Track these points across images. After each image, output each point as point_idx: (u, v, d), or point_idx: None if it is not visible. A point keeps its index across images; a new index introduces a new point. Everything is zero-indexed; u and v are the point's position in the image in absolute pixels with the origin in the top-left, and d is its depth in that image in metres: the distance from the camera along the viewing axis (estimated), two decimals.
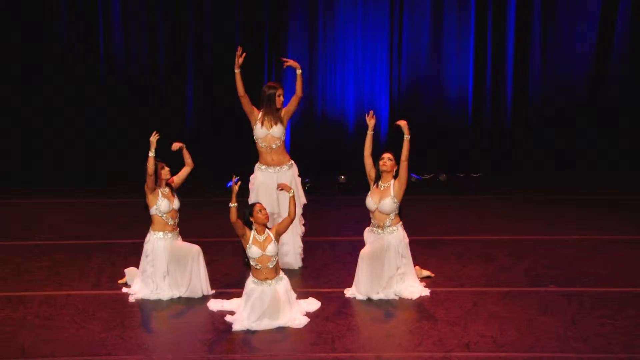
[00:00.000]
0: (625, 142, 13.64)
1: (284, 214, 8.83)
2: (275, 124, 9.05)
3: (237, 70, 9.01)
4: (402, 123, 8.51)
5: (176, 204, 8.58)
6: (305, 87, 13.29)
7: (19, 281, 9.03)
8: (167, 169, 8.54)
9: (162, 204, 8.48)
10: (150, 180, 8.40)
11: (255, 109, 9.10)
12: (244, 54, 9.07)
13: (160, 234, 8.51)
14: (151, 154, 8.32)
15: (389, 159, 8.49)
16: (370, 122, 8.63)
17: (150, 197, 8.50)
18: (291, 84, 12.73)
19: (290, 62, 9.16)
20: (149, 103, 13.56)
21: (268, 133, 9.06)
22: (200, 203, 11.67)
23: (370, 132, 8.59)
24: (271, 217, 8.76)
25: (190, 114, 13.62)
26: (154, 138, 8.36)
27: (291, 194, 8.01)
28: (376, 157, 8.55)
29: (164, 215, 8.50)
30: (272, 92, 9.02)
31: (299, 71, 9.08)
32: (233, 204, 7.81)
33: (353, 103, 13.63)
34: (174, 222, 8.58)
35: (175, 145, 8.64)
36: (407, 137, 8.45)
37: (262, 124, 9.05)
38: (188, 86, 13.63)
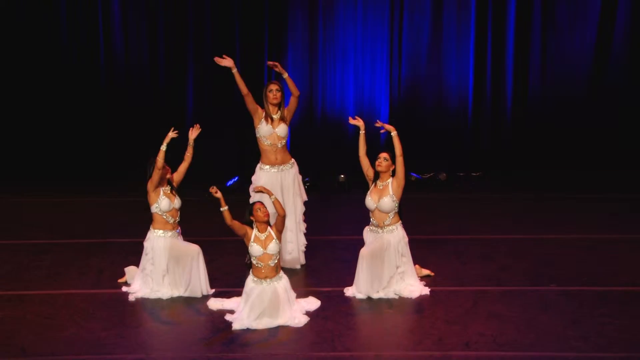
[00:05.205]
0: (625, 141, 13.65)
1: (287, 212, 8.84)
2: (280, 122, 9.06)
3: (234, 70, 8.98)
4: (385, 125, 8.52)
5: (177, 202, 8.58)
6: (306, 87, 13.45)
7: (19, 280, 9.03)
8: (167, 167, 8.54)
9: (163, 202, 8.48)
10: (156, 175, 8.38)
11: (259, 108, 9.10)
12: (222, 58, 9.00)
13: (160, 232, 8.51)
14: (163, 147, 8.31)
15: (385, 159, 8.49)
16: (358, 123, 8.60)
17: (151, 195, 8.49)
18: None
19: (278, 69, 9.08)
20: (149, 103, 13.58)
21: (273, 131, 9.07)
22: (200, 202, 11.66)
23: (362, 132, 8.58)
24: (273, 216, 8.76)
25: (190, 114, 13.63)
26: (172, 134, 8.33)
27: (272, 199, 8.03)
28: (374, 157, 8.55)
29: (165, 213, 8.50)
30: (264, 89, 9.04)
31: (285, 75, 9.07)
32: (224, 208, 7.84)
33: (353, 103, 13.64)
34: (175, 221, 8.58)
35: (194, 132, 8.62)
36: (393, 133, 8.45)
37: (267, 122, 9.05)
38: (188, 86, 13.64)
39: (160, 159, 8.32)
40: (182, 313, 8.20)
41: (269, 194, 8.08)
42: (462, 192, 12.95)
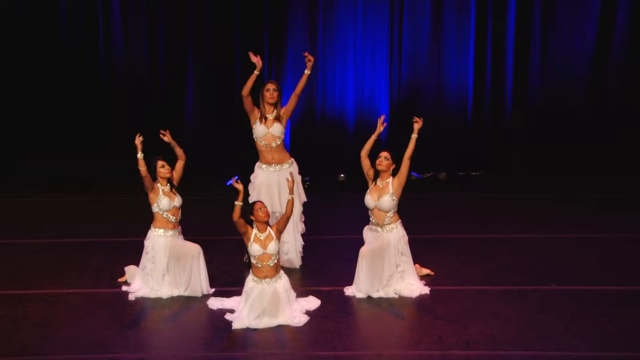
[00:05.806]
0: (625, 141, 13.65)
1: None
2: (274, 122, 9.05)
3: (256, 72, 8.92)
4: (419, 124, 8.47)
5: (177, 201, 8.58)
6: (306, 87, 13.39)
7: (19, 279, 9.02)
8: (167, 167, 8.54)
9: (163, 201, 8.48)
10: (146, 181, 8.41)
11: (255, 109, 9.10)
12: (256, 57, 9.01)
13: (161, 231, 8.52)
14: (139, 155, 8.33)
15: (386, 158, 8.49)
16: (380, 128, 8.58)
17: (151, 196, 8.50)
18: (291, 85, 12.75)
19: (310, 58, 9.08)
20: (149, 103, 13.58)
21: (268, 131, 9.06)
22: (201, 201, 11.68)
23: (374, 137, 8.55)
24: (272, 215, 8.77)
25: (190, 114, 13.63)
26: (138, 141, 8.37)
27: (290, 198, 8.01)
28: (374, 155, 8.55)
29: (165, 212, 8.50)
30: (262, 88, 9.03)
31: (308, 71, 9.05)
32: (239, 202, 7.82)
33: (353, 103, 13.65)
34: (176, 220, 8.58)
35: (168, 137, 8.62)
36: (414, 136, 8.44)
37: (262, 122, 9.05)
38: (188, 86, 13.64)
39: (141, 167, 8.34)
40: (182, 312, 8.19)
41: (290, 191, 8.02)
42: (462, 192, 12.95)
